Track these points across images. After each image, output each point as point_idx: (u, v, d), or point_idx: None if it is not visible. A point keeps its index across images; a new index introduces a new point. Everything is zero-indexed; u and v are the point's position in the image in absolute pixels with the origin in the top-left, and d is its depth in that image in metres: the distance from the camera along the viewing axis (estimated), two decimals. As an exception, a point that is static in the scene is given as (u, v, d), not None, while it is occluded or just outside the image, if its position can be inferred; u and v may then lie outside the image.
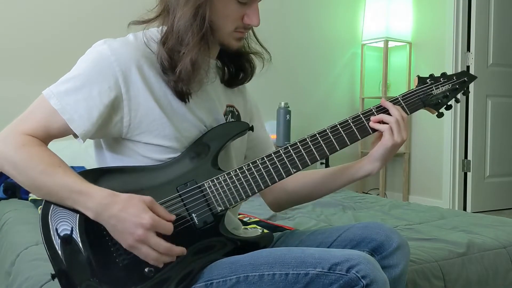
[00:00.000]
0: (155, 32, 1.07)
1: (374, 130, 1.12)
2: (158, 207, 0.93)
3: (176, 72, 1.01)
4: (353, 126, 1.11)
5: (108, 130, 1.02)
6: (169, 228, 0.92)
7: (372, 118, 1.12)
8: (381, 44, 4.16)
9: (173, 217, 0.95)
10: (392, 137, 1.10)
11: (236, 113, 1.19)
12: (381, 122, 1.12)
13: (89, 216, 0.92)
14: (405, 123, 1.12)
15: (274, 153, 1.07)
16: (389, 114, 1.12)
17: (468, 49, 3.95)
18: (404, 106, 1.15)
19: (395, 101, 1.15)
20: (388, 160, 1.13)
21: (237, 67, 1.18)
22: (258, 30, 1.17)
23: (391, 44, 4.20)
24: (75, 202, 0.92)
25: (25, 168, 0.93)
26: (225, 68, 1.18)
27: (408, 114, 1.15)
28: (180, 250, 0.94)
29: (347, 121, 1.12)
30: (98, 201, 0.90)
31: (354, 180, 1.18)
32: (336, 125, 1.11)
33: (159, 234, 0.91)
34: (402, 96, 1.16)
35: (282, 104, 3.54)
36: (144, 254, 0.91)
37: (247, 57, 1.18)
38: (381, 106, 1.14)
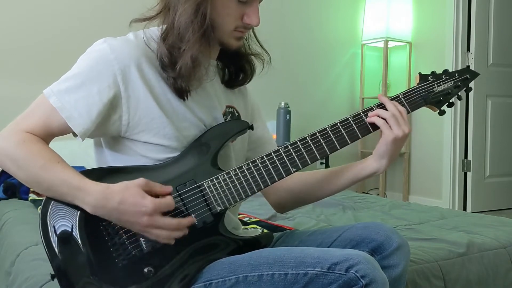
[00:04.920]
0: (155, 31, 1.07)
1: (372, 126, 1.11)
2: (153, 185, 0.95)
3: (176, 69, 1.01)
4: (353, 125, 1.11)
5: (107, 129, 1.02)
6: (170, 204, 0.94)
7: (369, 113, 1.12)
8: (381, 44, 4.16)
9: (170, 189, 0.97)
10: (391, 131, 1.09)
11: (236, 114, 1.18)
12: (379, 117, 1.11)
13: (88, 211, 0.92)
14: (404, 117, 1.10)
15: (274, 152, 1.07)
16: (385, 109, 1.12)
17: (468, 49, 3.94)
18: (405, 104, 1.15)
19: (395, 99, 1.15)
20: (393, 157, 1.12)
21: (237, 67, 1.18)
22: (258, 30, 1.17)
23: (391, 44, 4.20)
24: (74, 198, 0.92)
25: (26, 164, 0.93)
26: (225, 69, 1.18)
27: (409, 112, 1.14)
28: (189, 220, 0.96)
29: (348, 119, 1.11)
30: (95, 197, 0.91)
31: (359, 179, 1.17)
32: (336, 124, 1.11)
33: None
34: (403, 94, 1.16)
35: (282, 104, 3.54)
36: (155, 236, 0.93)
37: (247, 58, 1.18)
38: (380, 103, 1.13)
